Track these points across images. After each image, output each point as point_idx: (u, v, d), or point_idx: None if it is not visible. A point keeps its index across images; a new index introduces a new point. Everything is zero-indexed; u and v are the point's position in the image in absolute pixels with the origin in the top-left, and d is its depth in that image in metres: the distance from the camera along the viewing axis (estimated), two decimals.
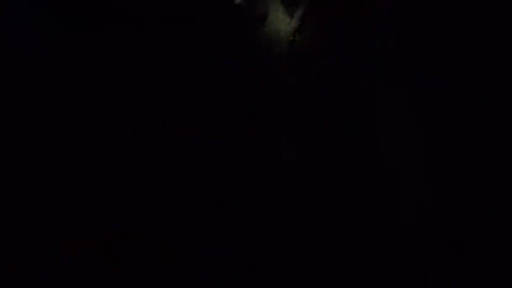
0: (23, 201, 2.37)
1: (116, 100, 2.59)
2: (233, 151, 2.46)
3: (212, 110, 2.54)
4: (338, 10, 2.24)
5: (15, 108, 2.44)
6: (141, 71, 2.58)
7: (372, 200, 2.21)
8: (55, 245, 2.33)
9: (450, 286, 2.01)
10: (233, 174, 2.46)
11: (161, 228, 2.44)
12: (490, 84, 2.07)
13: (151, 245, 2.39)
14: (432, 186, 2.11)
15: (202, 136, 2.51)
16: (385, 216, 2.16)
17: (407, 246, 2.10)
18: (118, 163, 2.53)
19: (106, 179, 2.49)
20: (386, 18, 2.13)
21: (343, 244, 2.20)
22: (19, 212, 2.35)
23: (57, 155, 2.49)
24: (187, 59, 2.61)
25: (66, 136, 2.52)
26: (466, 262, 2.00)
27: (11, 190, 2.37)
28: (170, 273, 2.35)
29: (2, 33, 2.41)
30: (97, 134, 2.54)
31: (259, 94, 2.35)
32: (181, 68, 2.61)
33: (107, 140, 2.54)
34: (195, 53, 2.60)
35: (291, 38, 2.25)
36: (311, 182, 2.29)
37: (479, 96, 2.08)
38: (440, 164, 2.13)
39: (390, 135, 2.19)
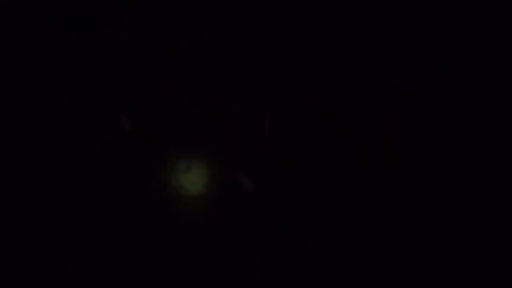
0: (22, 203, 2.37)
1: (116, 100, 2.59)
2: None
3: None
4: None
5: (15, 108, 2.44)
6: (141, 71, 2.58)
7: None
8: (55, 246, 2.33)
9: (450, 286, 2.01)
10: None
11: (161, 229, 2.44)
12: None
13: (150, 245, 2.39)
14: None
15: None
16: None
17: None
18: (117, 164, 2.53)
19: (105, 178, 2.49)
20: None
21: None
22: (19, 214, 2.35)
23: (56, 156, 2.49)
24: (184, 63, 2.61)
25: (65, 137, 2.52)
26: (464, 262, 2.00)
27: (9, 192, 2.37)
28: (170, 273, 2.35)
29: (2, 33, 2.41)
30: (97, 135, 2.54)
31: None
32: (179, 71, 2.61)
33: (106, 141, 2.55)
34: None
35: None
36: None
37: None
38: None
39: None
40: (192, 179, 2.44)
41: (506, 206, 2.02)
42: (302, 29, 2.45)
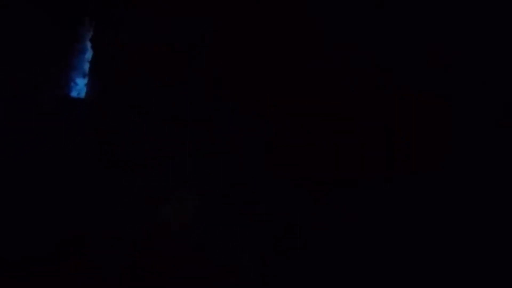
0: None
1: (116, 101, 2.59)
2: None
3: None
4: None
5: (14, 108, 2.44)
6: (141, 71, 2.58)
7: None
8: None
9: (450, 286, 2.01)
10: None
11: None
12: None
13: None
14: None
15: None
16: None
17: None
18: (116, 164, 2.53)
19: (105, 178, 2.49)
20: None
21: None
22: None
23: (56, 156, 2.49)
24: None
25: (65, 137, 2.52)
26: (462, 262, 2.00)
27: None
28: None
29: (2, 33, 2.41)
30: (97, 135, 2.54)
31: None
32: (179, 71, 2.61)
33: (106, 141, 2.55)
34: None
35: None
36: None
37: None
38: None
39: None
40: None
41: (505, 205, 2.02)
42: (302, 29, 2.45)
